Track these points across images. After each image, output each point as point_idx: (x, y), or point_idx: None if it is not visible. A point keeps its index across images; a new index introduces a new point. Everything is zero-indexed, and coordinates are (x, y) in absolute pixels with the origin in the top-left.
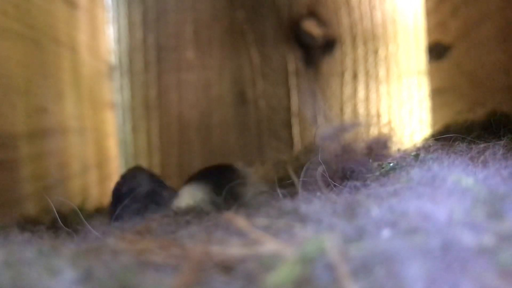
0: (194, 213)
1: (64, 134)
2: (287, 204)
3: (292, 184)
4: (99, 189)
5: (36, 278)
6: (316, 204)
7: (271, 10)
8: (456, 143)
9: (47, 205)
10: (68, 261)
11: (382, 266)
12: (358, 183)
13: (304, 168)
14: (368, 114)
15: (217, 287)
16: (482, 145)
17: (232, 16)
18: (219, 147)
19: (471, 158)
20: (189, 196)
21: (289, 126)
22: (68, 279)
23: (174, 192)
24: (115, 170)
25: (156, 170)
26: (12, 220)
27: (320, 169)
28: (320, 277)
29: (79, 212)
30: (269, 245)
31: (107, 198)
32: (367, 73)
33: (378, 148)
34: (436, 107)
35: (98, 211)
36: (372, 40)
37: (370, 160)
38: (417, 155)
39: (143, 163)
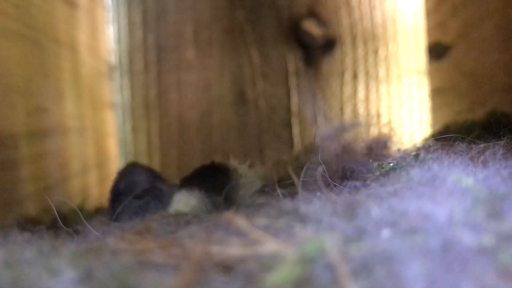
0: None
1: (64, 134)
2: (287, 204)
3: (292, 184)
4: (99, 189)
5: (36, 278)
6: (316, 204)
7: (271, 10)
8: (456, 143)
9: (47, 205)
10: (68, 261)
11: (382, 266)
12: (358, 183)
13: (304, 168)
14: (368, 114)
15: (217, 287)
16: (482, 145)
17: (232, 16)
18: (219, 147)
19: (471, 158)
20: (182, 204)
21: (289, 126)
22: (68, 279)
23: (172, 186)
24: (115, 170)
25: (156, 170)
26: (12, 220)
27: (320, 169)
28: (320, 277)
29: (79, 212)
30: (269, 245)
31: (107, 198)
32: (367, 73)
33: (378, 148)
34: (436, 107)
35: (98, 211)
36: (372, 40)
37: (370, 160)
38: (417, 155)
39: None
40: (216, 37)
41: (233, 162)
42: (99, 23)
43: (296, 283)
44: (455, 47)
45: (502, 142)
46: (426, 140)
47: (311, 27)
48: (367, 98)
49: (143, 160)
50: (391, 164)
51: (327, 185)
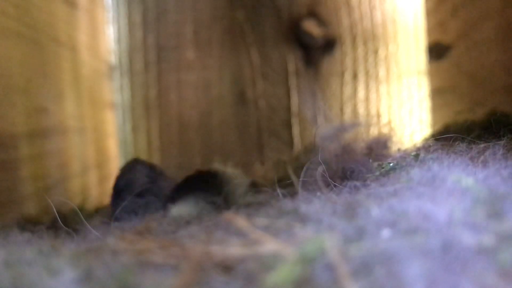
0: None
1: (64, 134)
2: (287, 204)
3: (292, 184)
4: (99, 189)
5: (36, 278)
6: (316, 204)
7: (271, 10)
8: (456, 143)
9: (47, 205)
10: (68, 261)
11: (382, 266)
12: (358, 183)
13: (304, 168)
14: (368, 114)
15: (217, 287)
16: (482, 145)
17: (232, 16)
18: (219, 147)
19: (471, 158)
20: (180, 214)
21: (289, 126)
22: (68, 279)
23: (173, 181)
24: (115, 170)
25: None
26: (12, 220)
27: (320, 169)
28: (320, 277)
29: (79, 212)
30: (269, 245)
31: (107, 198)
32: (367, 73)
33: (378, 148)
34: (436, 107)
35: (98, 211)
36: (372, 40)
37: (370, 160)
38: (417, 155)
39: None
40: (216, 37)
41: (217, 166)
42: (99, 23)
43: (296, 283)
44: (455, 47)
45: (502, 142)
46: (426, 140)
47: (311, 27)
48: (367, 98)
49: None
50: (391, 164)
51: (327, 185)
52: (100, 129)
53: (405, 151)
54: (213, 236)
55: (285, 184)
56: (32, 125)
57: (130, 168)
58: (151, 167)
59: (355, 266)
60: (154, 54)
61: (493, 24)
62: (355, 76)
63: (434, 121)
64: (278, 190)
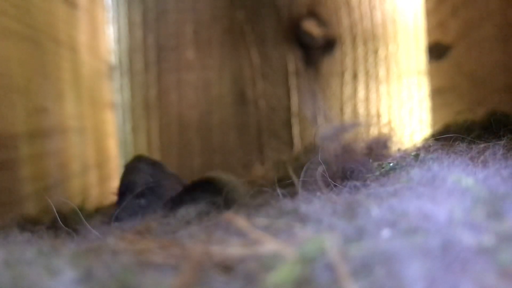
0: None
1: (64, 134)
2: (287, 204)
3: (292, 184)
4: (99, 189)
5: (36, 278)
6: (316, 204)
7: (271, 10)
8: (456, 143)
9: (47, 205)
10: (68, 261)
11: (382, 266)
12: (358, 183)
13: (304, 168)
14: (368, 114)
15: (217, 287)
16: (482, 145)
17: (232, 16)
18: (219, 147)
19: (471, 158)
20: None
21: (289, 126)
22: (68, 279)
23: (176, 179)
24: (115, 170)
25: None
26: (12, 220)
27: (320, 169)
28: (320, 277)
29: (79, 212)
30: (269, 245)
31: (107, 198)
32: (367, 73)
33: (378, 148)
34: (436, 107)
35: (98, 211)
36: (372, 40)
37: (370, 160)
38: (417, 155)
39: None
40: (216, 37)
41: (214, 173)
42: (99, 23)
43: (296, 283)
44: (455, 47)
45: (502, 142)
46: (426, 140)
47: (311, 27)
48: (367, 98)
49: None
50: (391, 164)
51: (327, 185)
52: (100, 129)
53: (405, 151)
54: (213, 236)
55: (285, 184)
56: (32, 125)
57: (133, 167)
58: (154, 165)
59: (355, 266)
60: (154, 54)
61: (493, 24)
62: (355, 76)
63: (434, 121)
64: (278, 190)
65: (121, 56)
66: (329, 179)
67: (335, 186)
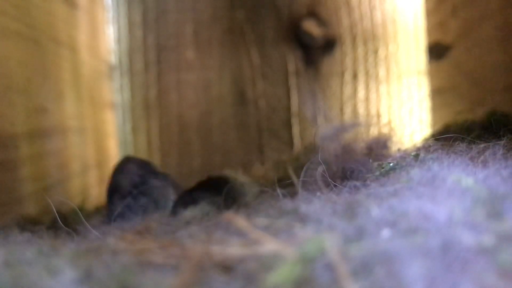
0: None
1: (64, 134)
2: (287, 204)
3: (292, 184)
4: (99, 189)
5: (36, 278)
6: (316, 204)
7: (271, 10)
8: (456, 143)
9: (47, 205)
10: (68, 261)
11: (382, 266)
12: (358, 183)
13: (304, 168)
14: (368, 114)
15: (217, 287)
16: (482, 145)
17: (232, 16)
18: (219, 147)
19: (471, 158)
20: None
21: (289, 126)
22: (68, 279)
23: (165, 178)
24: None
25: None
26: (12, 220)
27: (320, 169)
28: (320, 277)
29: (79, 212)
30: (269, 245)
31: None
32: (367, 73)
33: (378, 148)
34: (436, 107)
35: (98, 211)
36: (372, 40)
37: (370, 160)
38: (417, 155)
39: None
40: (216, 37)
41: (229, 172)
42: (99, 23)
43: (296, 283)
44: (455, 47)
45: (502, 142)
46: (426, 140)
47: (311, 27)
48: (367, 98)
49: None
50: (391, 164)
51: (327, 185)
52: (100, 129)
53: (405, 151)
54: (213, 236)
55: (285, 184)
56: (32, 125)
57: (120, 168)
58: (142, 165)
59: (355, 266)
60: (154, 54)
61: (493, 24)
62: (355, 76)
63: (434, 121)
64: (278, 190)
65: (121, 56)
66: (329, 179)
67: (335, 186)
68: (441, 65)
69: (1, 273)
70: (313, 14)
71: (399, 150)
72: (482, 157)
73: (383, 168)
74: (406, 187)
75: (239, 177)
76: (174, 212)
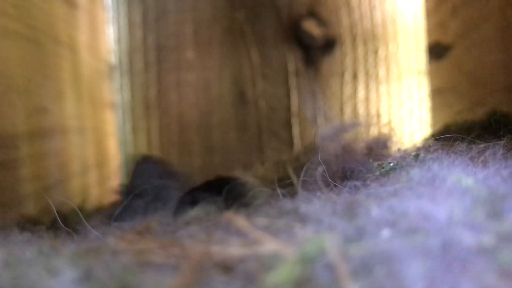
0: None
1: (64, 134)
2: (287, 204)
3: (292, 184)
4: (99, 189)
5: (36, 278)
6: (316, 204)
7: (271, 10)
8: (456, 143)
9: (47, 205)
10: (68, 261)
11: (382, 266)
12: (358, 183)
13: (304, 168)
14: (368, 114)
15: (217, 287)
16: (482, 145)
17: (232, 16)
18: (219, 147)
19: (471, 158)
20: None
21: (289, 126)
22: (68, 279)
23: (180, 179)
24: (115, 170)
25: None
26: (12, 220)
27: (320, 169)
28: (320, 277)
29: (79, 212)
30: (269, 245)
31: (107, 198)
32: (367, 73)
33: (378, 148)
34: (436, 107)
35: (98, 211)
36: (372, 40)
37: (370, 160)
38: (417, 155)
39: None
40: (216, 37)
41: (238, 173)
42: (99, 23)
43: (296, 283)
44: (455, 47)
45: (502, 142)
46: (426, 140)
47: (311, 27)
48: (367, 98)
49: None
50: (391, 164)
51: (327, 185)
52: (100, 129)
53: (405, 151)
54: (213, 236)
55: (285, 184)
56: (32, 125)
57: (138, 169)
58: (158, 165)
59: (355, 266)
60: (154, 54)
61: (493, 24)
62: (355, 76)
63: (434, 121)
64: (278, 190)
65: (121, 56)
66: (329, 179)
67: (335, 186)
68: (441, 65)
69: (1, 273)
70: (313, 14)
71: (399, 150)
72: (482, 157)
73: (383, 168)
74: (406, 187)
75: (248, 178)
76: (175, 212)
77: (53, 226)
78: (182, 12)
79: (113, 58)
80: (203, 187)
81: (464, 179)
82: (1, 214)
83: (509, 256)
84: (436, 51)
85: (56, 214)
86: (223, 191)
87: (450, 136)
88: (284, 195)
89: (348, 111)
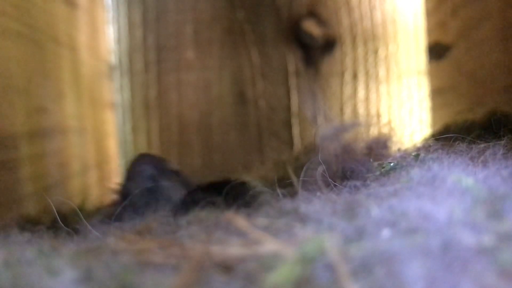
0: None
1: (64, 134)
2: (287, 204)
3: (292, 184)
4: (99, 189)
5: (36, 278)
6: (316, 204)
7: (271, 10)
8: (456, 143)
9: (47, 205)
10: (68, 261)
11: (382, 266)
12: (358, 183)
13: (304, 168)
14: (368, 114)
15: (217, 287)
16: (482, 145)
17: (232, 16)
18: (219, 147)
19: (471, 158)
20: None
21: (289, 126)
22: (68, 279)
23: (178, 178)
24: (115, 170)
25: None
26: (12, 220)
27: (320, 169)
28: (320, 277)
29: (79, 212)
30: (269, 245)
31: (107, 198)
32: (367, 73)
33: (378, 148)
34: (436, 107)
35: (98, 211)
36: (372, 40)
37: (370, 160)
38: (417, 155)
39: None
40: (216, 37)
41: (244, 176)
42: (99, 23)
43: (296, 283)
44: (455, 47)
45: (502, 142)
46: (426, 140)
47: (311, 27)
48: (367, 98)
49: None
50: (391, 164)
51: (327, 185)
52: (100, 129)
53: (405, 151)
54: (213, 236)
55: (285, 184)
56: (32, 125)
57: (134, 170)
58: (156, 165)
59: (355, 266)
60: (154, 54)
61: (493, 24)
62: (355, 76)
63: (434, 121)
64: (278, 190)
65: (121, 56)
66: (329, 179)
67: (335, 186)
68: (441, 65)
69: (1, 273)
70: (313, 14)
71: (399, 150)
72: (482, 157)
73: (383, 168)
74: (406, 187)
75: (255, 183)
76: (176, 212)
77: (53, 226)
78: (182, 12)
79: (113, 58)
80: (204, 188)
81: (464, 179)
82: (1, 214)
83: (509, 256)
84: (436, 51)
85: (56, 214)
86: (223, 191)
87: (450, 136)
88: (284, 195)
89: (348, 111)
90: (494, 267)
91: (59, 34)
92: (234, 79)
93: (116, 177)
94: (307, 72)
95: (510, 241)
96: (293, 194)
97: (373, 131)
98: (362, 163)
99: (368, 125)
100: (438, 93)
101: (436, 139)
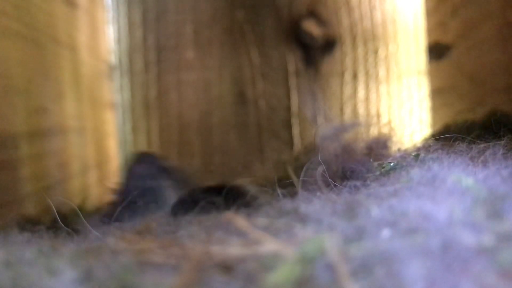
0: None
1: (64, 134)
2: (287, 204)
3: (292, 184)
4: (99, 189)
5: (36, 278)
6: (316, 204)
7: (271, 10)
8: (456, 143)
9: (47, 205)
10: (68, 261)
11: (382, 266)
12: (358, 183)
13: (304, 168)
14: (368, 114)
15: (217, 287)
16: (482, 145)
17: (232, 16)
18: (219, 147)
19: (471, 158)
20: None
21: (289, 126)
22: (68, 279)
23: (175, 176)
24: (115, 170)
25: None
26: (12, 220)
27: (320, 169)
28: (320, 277)
29: (79, 212)
30: (269, 245)
31: (107, 198)
32: (367, 73)
33: (378, 148)
34: (436, 107)
35: (98, 211)
36: (372, 40)
37: (370, 160)
38: (417, 155)
39: None
40: (216, 37)
41: (243, 182)
42: (99, 23)
43: (296, 283)
44: (455, 47)
45: (502, 142)
46: (426, 140)
47: (311, 27)
48: (367, 98)
49: None
50: (391, 164)
51: (327, 185)
52: (100, 129)
53: (405, 151)
54: (213, 236)
55: (285, 184)
56: (32, 125)
57: (133, 169)
58: (154, 164)
59: (355, 266)
60: (154, 54)
61: (493, 24)
62: (355, 76)
63: (434, 121)
64: (278, 190)
65: (121, 56)
66: (329, 179)
67: (335, 186)
68: (441, 65)
69: (1, 273)
70: (313, 14)
71: (399, 150)
72: (482, 157)
73: (383, 168)
74: (406, 187)
75: (253, 189)
76: (174, 212)
77: (53, 226)
78: (182, 12)
79: (113, 58)
80: (201, 190)
81: (464, 179)
82: (1, 214)
83: (509, 256)
84: (436, 51)
85: (56, 214)
86: (223, 192)
87: (450, 136)
88: (284, 195)
89: (348, 111)
90: (494, 267)
91: (59, 34)
92: (234, 79)
93: (116, 177)
94: (307, 72)
95: (510, 241)
96: (293, 194)
97: (373, 131)
98: (362, 163)
99: (368, 125)
100: (438, 93)
101: (436, 139)
